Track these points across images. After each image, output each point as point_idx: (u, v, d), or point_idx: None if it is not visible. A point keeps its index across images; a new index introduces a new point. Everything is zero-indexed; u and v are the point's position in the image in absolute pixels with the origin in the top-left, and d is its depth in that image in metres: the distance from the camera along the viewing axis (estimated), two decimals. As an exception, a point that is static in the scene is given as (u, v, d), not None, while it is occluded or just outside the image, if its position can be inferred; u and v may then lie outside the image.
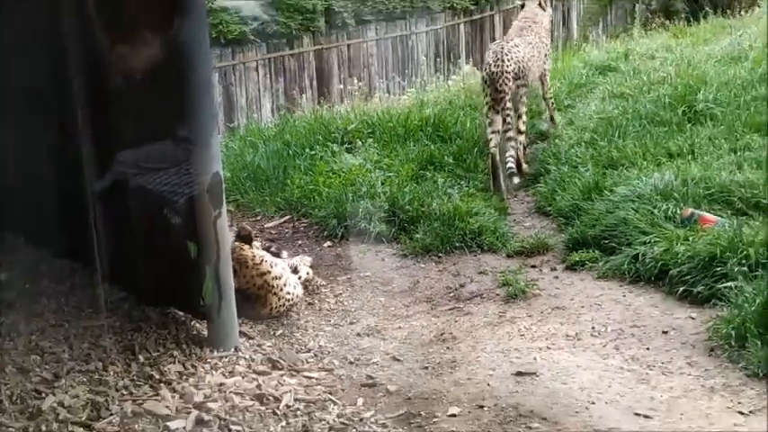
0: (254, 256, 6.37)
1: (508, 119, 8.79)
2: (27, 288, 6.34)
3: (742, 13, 16.35)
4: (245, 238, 6.48)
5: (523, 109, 8.90)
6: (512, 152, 8.74)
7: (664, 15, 18.63)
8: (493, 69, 8.90)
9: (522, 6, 10.06)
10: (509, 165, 8.74)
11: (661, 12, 19.51)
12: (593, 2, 20.17)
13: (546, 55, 9.68)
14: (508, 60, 8.83)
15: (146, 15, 5.58)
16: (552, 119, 9.69)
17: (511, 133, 8.74)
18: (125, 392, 5.06)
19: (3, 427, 4.68)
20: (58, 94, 6.06)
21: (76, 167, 5.91)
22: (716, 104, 9.25)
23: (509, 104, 8.78)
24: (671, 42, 13.15)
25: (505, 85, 8.78)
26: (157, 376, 5.25)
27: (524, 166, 8.88)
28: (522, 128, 8.91)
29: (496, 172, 8.68)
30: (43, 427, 4.67)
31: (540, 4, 10.01)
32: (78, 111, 5.74)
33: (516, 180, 8.71)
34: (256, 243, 6.58)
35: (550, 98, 9.87)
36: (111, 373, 5.24)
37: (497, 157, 8.71)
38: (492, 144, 8.76)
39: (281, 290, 6.39)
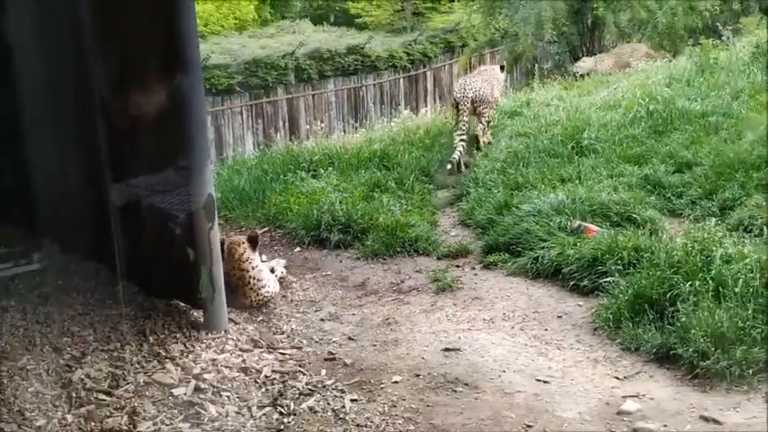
0: (243, 253, 6.32)
1: (463, 127, 9.60)
2: (60, 284, 6.23)
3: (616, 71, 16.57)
4: (251, 239, 6.48)
5: (482, 123, 9.87)
6: (459, 149, 9.38)
7: (557, 73, 18.81)
8: (457, 96, 9.94)
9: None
10: (454, 155, 9.32)
11: (554, 70, 19.70)
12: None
13: (493, 101, 10.18)
14: (468, 89, 9.78)
15: (155, 72, 5.60)
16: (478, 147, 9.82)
17: (457, 133, 9.60)
18: (138, 366, 5.03)
19: (42, 394, 4.63)
20: (86, 133, 6.01)
21: (101, 188, 5.86)
22: (597, 141, 9.32)
23: (465, 118, 9.65)
24: (562, 93, 13.23)
25: (465, 106, 9.66)
26: (164, 353, 5.21)
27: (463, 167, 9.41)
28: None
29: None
30: (73, 395, 4.64)
31: (501, 67, 11.15)
32: (102, 145, 5.70)
33: (449, 167, 9.26)
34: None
35: (485, 137, 10.03)
36: (127, 351, 5.19)
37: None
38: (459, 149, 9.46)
39: (261, 288, 6.32)
